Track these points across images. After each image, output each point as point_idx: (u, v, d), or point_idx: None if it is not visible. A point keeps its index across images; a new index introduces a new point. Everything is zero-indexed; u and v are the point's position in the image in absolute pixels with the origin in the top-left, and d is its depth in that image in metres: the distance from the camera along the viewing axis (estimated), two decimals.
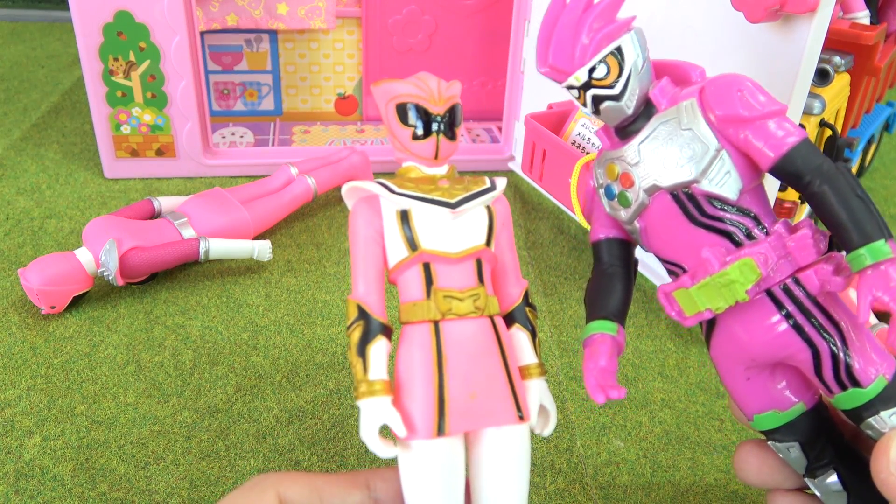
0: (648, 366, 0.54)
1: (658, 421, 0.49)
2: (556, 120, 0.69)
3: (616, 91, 0.30)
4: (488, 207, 0.32)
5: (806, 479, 0.33)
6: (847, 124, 0.69)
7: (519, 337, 0.33)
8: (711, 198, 0.29)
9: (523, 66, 0.75)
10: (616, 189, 0.31)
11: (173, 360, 0.52)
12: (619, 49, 0.30)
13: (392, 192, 0.31)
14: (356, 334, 0.30)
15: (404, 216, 0.31)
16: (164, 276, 0.61)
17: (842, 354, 0.29)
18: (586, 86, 0.30)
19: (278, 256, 0.64)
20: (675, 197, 0.30)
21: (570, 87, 0.31)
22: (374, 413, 0.29)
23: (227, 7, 0.79)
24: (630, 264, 0.34)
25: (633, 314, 0.59)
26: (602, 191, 0.33)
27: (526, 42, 0.73)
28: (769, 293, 0.30)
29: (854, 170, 0.77)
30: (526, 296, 0.33)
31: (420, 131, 0.31)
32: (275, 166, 0.71)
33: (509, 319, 0.33)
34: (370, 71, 0.86)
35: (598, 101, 0.30)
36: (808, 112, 0.56)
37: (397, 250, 0.31)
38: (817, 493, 0.32)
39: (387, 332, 0.31)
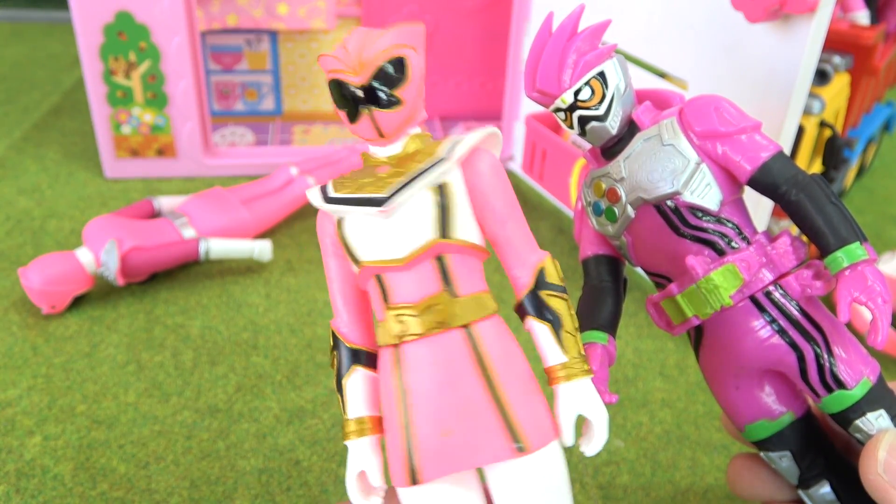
0: (648, 366, 0.54)
1: (658, 421, 0.49)
2: (556, 120, 0.69)
3: (600, 112, 0.31)
4: (441, 186, 0.26)
5: (799, 491, 0.33)
6: (847, 124, 0.69)
7: (536, 333, 0.27)
8: (694, 209, 0.31)
9: (523, 66, 0.75)
10: (603, 205, 0.33)
11: (173, 359, 0.52)
12: (601, 74, 0.31)
13: (325, 197, 0.27)
14: (334, 367, 0.27)
15: (340, 225, 0.26)
16: (164, 276, 0.61)
17: (826, 356, 0.30)
18: (572, 107, 0.32)
19: (278, 256, 0.64)
20: (660, 209, 0.31)
21: (557, 110, 0.32)
22: (350, 457, 0.26)
23: (227, 7, 0.79)
24: (619, 280, 0.35)
25: (634, 314, 0.59)
26: (590, 209, 0.34)
27: (526, 42, 0.73)
28: (753, 300, 0.31)
29: (854, 170, 0.77)
30: (541, 275, 0.27)
31: (347, 112, 0.27)
32: (275, 166, 0.72)
33: (521, 311, 0.27)
34: None
35: (583, 121, 0.32)
36: (807, 112, 0.56)
37: (351, 264, 0.27)
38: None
39: (364, 358, 0.27)
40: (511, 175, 0.80)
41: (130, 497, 0.42)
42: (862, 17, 0.68)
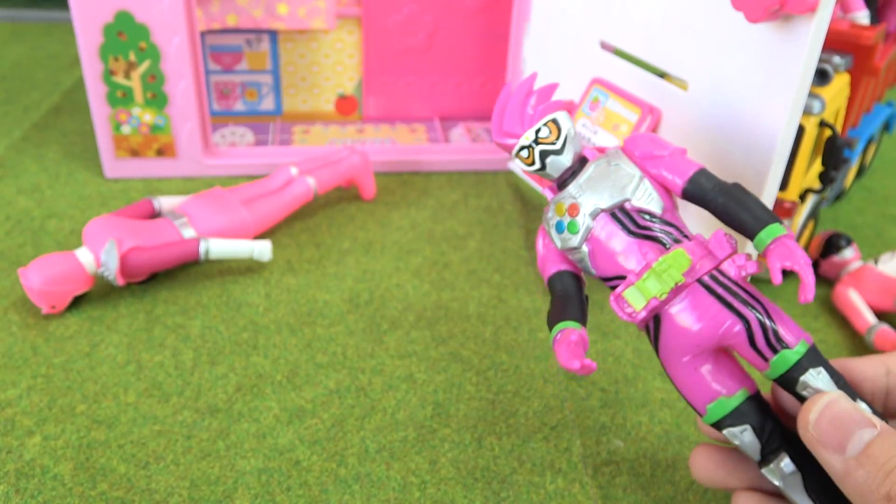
0: (648, 366, 0.54)
1: (658, 421, 0.49)
2: None
3: (558, 147, 0.39)
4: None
5: (762, 470, 0.36)
6: (847, 124, 0.69)
7: None
8: (642, 212, 0.37)
9: (523, 66, 0.75)
10: (565, 221, 0.39)
11: (173, 359, 0.52)
12: (555, 120, 0.40)
13: None
14: None
15: None
16: (164, 276, 0.61)
17: (768, 322, 0.34)
18: (535, 142, 0.39)
19: (278, 256, 0.64)
20: (613, 215, 0.38)
21: (521, 149, 0.40)
22: None
23: (227, 7, 0.79)
24: (582, 290, 0.41)
25: None
26: (553, 230, 0.40)
27: (526, 42, 0.73)
28: (701, 283, 0.36)
29: (854, 170, 0.77)
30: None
31: None
32: (275, 166, 0.72)
33: None
34: (370, 71, 0.86)
35: (544, 155, 0.39)
36: (807, 112, 0.56)
37: None
38: (775, 482, 0.35)
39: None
40: (511, 175, 0.80)
41: (130, 497, 0.42)
42: (862, 17, 0.68)
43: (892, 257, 0.60)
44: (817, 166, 0.60)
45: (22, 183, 0.73)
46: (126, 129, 0.73)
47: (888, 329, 0.55)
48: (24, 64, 1.04)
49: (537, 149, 0.39)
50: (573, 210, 0.39)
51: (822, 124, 0.57)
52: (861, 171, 0.81)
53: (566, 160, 0.39)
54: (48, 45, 1.11)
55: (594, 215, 0.38)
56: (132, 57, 0.69)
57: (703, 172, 0.38)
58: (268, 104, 0.87)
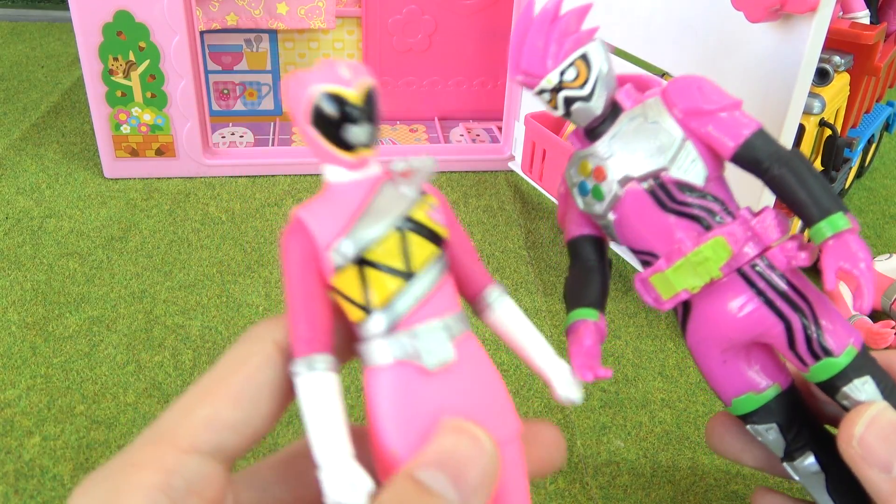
0: (648, 366, 0.54)
1: (658, 421, 0.49)
2: (555, 119, 0.68)
3: (585, 92, 0.32)
4: None
5: (784, 464, 0.33)
6: (847, 124, 0.69)
7: None
8: (680, 185, 0.32)
9: None
10: (590, 185, 0.33)
11: (173, 359, 0.52)
12: (585, 55, 0.32)
13: None
14: None
15: None
16: (163, 275, 0.61)
17: (813, 326, 0.30)
18: (558, 88, 0.32)
19: (277, 256, 0.64)
20: (647, 186, 0.32)
21: (542, 91, 0.33)
22: None
23: (226, 7, 0.79)
24: (605, 259, 0.35)
25: (634, 314, 0.59)
26: (576, 189, 0.34)
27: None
28: (741, 272, 0.31)
29: (854, 170, 0.77)
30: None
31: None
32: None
33: None
34: (370, 71, 0.86)
35: (569, 102, 0.32)
36: (807, 112, 0.56)
37: None
38: (796, 477, 0.33)
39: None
40: (511, 175, 0.80)
41: None
42: (862, 17, 0.68)
43: (889, 257, 0.61)
44: (817, 166, 0.60)
45: (21, 183, 0.73)
46: (125, 129, 0.73)
47: (864, 319, 0.56)
48: (23, 63, 1.04)
49: (561, 94, 0.32)
50: (599, 174, 0.33)
51: (822, 124, 0.57)
52: (861, 171, 0.81)
53: (596, 107, 0.32)
54: (48, 44, 1.11)
55: (624, 183, 0.32)
56: (132, 56, 0.69)
57: (760, 134, 0.31)
58: (268, 104, 0.87)
